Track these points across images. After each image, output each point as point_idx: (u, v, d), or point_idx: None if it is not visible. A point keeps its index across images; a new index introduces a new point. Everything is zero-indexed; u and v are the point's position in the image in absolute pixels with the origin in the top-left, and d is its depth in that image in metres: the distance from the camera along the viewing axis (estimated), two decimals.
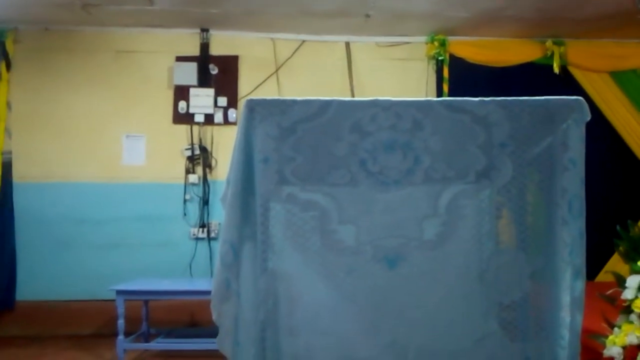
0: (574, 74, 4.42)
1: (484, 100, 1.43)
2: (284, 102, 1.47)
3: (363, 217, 1.41)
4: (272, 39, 4.41)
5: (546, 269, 1.40)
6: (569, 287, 1.35)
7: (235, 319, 1.40)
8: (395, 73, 4.47)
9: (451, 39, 4.40)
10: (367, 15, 4.00)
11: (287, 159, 1.45)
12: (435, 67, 4.46)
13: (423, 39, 4.45)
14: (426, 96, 4.37)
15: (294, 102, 1.46)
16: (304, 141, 1.45)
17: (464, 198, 1.41)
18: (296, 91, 4.32)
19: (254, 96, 4.28)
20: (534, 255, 1.42)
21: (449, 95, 4.29)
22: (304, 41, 4.44)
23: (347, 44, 4.50)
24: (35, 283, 4.09)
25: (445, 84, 4.39)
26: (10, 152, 4.13)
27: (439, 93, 4.40)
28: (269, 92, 4.29)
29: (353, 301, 1.44)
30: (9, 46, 4.14)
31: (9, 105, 4.14)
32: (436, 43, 4.38)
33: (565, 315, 1.34)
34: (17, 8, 3.78)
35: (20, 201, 4.13)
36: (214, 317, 1.44)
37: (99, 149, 4.24)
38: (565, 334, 1.34)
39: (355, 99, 1.46)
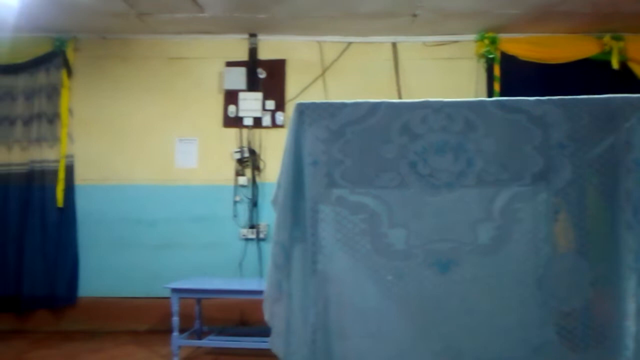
0: (635, 70, 4.19)
1: (540, 100, 1.38)
2: (333, 105, 1.48)
3: (413, 221, 1.40)
4: (318, 41, 4.44)
5: (609, 276, 1.34)
6: (634, 294, 1.28)
7: (287, 319, 1.42)
8: (443, 73, 4.39)
9: (502, 36, 4.27)
10: (414, 15, 3.95)
11: (336, 161, 1.45)
12: (485, 65, 4.35)
13: (472, 37, 4.35)
14: (476, 96, 4.26)
15: (343, 104, 1.47)
16: (353, 144, 1.45)
17: (519, 201, 1.37)
18: (343, 93, 4.33)
19: (300, 99, 4.37)
20: (596, 261, 1.36)
21: (501, 95, 4.16)
22: (350, 43, 4.44)
23: (394, 45, 4.46)
24: (95, 280, 4.30)
25: (496, 83, 4.27)
26: (72, 156, 4.36)
27: (490, 92, 4.28)
28: (315, 95, 4.33)
29: (403, 305, 1.42)
30: (70, 54, 4.37)
31: (71, 111, 4.37)
32: (486, 41, 4.26)
33: (630, 325, 1.28)
34: (76, 18, 3.99)
35: (81, 202, 4.35)
36: (266, 317, 1.46)
37: (154, 152, 4.41)
38: (630, 343, 1.27)
39: (405, 100, 1.44)
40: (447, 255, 1.36)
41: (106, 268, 4.30)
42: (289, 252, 1.47)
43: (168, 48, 4.45)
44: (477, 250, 1.35)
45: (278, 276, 1.46)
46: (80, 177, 4.36)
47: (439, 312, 1.41)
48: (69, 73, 4.37)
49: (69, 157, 4.33)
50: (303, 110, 1.46)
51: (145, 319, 4.22)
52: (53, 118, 4.31)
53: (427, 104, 1.44)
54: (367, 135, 1.43)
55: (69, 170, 4.31)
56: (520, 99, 1.38)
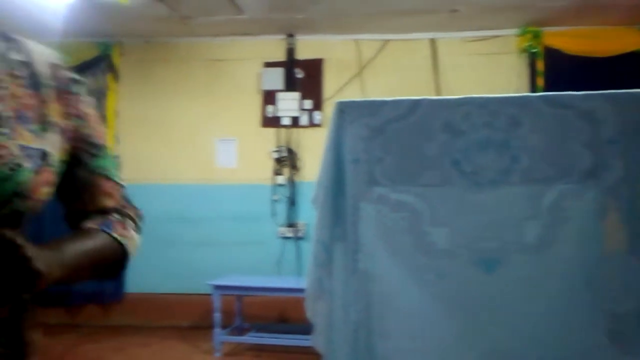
0: None
1: (588, 94, 1.33)
2: (373, 103, 1.48)
3: (457, 219, 1.37)
4: (355, 40, 4.43)
5: None
6: None
7: (329, 317, 1.43)
8: (483, 69, 4.30)
9: (545, 29, 4.14)
10: (454, 11, 3.88)
11: (377, 159, 1.45)
12: (527, 60, 4.23)
13: (513, 31, 4.23)
14: (517, 91, 4.15)
15: (384, 102, 1.46)
16: (393, 142, 1.44)
17: (567, 199, 1.33)
18: (380, 91, 4.30)
19: (337, 98, 4.34)
20: None
21: (545, 90, 4.04)
22: (387, 41, 4.41)
23: (432, 41, 4.39)
24: (141, 277, 4.43)
25: (539, 77, 4.15)
26: (119, 157, 4.53)
27: (532, 88, 4.16)
28: (352, 94, 4.32)
29: (446, 305, 1.41)
30: (115, 59, 4.53)
31: (117, 113, 4.54)
32: (528, 35, 4.14)
33: None
34: (121, 23, 4.13)
35: None
36: (308, 314, 1.48)
37: (196, 152, 4.52)
38: None
39: (446, 97, 1.42)
40: (493, 254, 1.33)
41: (151, 265, 4.43)
42: (330, 250, 1.47)
43: (208, 50, 4.55)
44: (523, 249, 1.32)
45: (319, 274, 1.47)
46: (126, 177, 4.48)
47: (484, 312, 1.38)
48: (115, 77, 4.53)
49: (116, 157, 4.49)
50: (343, 108, 1.46)
51: (188, 315, 4.33)
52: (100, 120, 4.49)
53: (470, 100, 1.42)
54: (408, 133, 1.41)
55: None
56: (568, 94, 1.33)
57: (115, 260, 0.77)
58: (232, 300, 3.86)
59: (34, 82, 0.71)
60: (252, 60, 4.48)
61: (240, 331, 3.84)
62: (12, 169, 0.63)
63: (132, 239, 0.79)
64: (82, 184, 0.77)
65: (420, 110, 1.44)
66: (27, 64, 0.72)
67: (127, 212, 0.80)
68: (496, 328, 1.34)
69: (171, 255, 4.42)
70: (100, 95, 4.50)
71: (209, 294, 3.63)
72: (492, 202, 1.36)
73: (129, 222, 0.80)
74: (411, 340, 1.42)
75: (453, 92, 4.14)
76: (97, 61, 4.50)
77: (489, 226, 1.35)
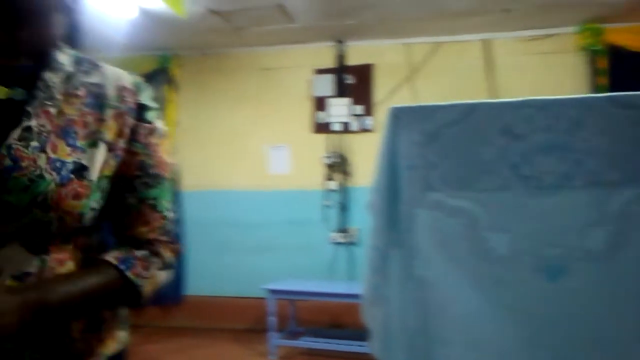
0: None
1: None
2: (427, 107, 1.46)
3: (516, 225, 1.33)
4: (405, 44, 4.40)
5: None
6: None
7: (385, 323, 1.42)
8: (539, 68, 4.15)
9: (606, 26, 3.95)
10: (507, 10, 3.78)
11: (432, 165, 1.43)
12: (587, 59, 4.04)
13: (571, 29, 4.06)
14: (577, 92, 3.98)
15: (438, 107, 1.45)
16: (449, 147, 1.42)
17: (636, 204, 1.26)
18: (432, 95, 4.25)
19: (388, 103, 4.34)
20: None
21: (609, 89, 3.85)
22: (438, 43, 4.35)
23: (485, 42, 4.29)
24: (200, 280, 4.60)
25: (600, 76, 3.95)
26: (178, 165, 4.72)
27: (593, 87, 3.97)
28: (404, 98, 4.29)
29: (506, 313, 1.36)
30: (174, 71, 4.74)
31: (176, 123, 4.74)
32: (588, 32, 3.97)
33: None
34: (179, 36, 4.31)
35: (187, 207, 4.68)
36: (365, 320, 1.48)
37: (249, 159, 4.63)
38: None
39: (504, 100, 1.39)
40: (555, 261, 1.28)
41: (208, 269, 4.58)
42: (386, 256, 1.47)
43: (260, 59, 4.66)
44: (588, 256, 1.26)
45: (375, 280, 1.46)
46: (185, 184, 4.70)
47: (546, 321, 1.33)
48: (174, 88, 4.73)
49: (175, 165, 4.68)
50: (397, 114, 1.45)
51: (244, 318, 4.43)
52: None
53: (528, 102, 1.38)
54: (464, 138, 1.39)
55: (175, 178, 4.66)
56: (637, 94, 1.27)
57: (119, 298, 0.78)
58: (286, 304, 3.92)
59: (98, 103, 0.76)
60: (302, 67, 4.55)
61: (294, 335, 3.89)
62: (31, 180, 0.67)
63: (153, 278, 0.79)
64: (127, 210, 0.80)
65: (476, 114, 1.41)
66: (98, 86, 0.78)
67: (158, 248, 0.80)
68: (558, 338, 1.29)
69: (227, 259, 4.55)
70: (160, 107, 4.70)
71: (263, 298, 3.70)
72: (554, 207, 1.31)
73: (155, 260, 0.80)
74: (470, 348, 1.39)
75: (508, 93, 4.03)
76: (157, 73, 4.72)
77: (551, 232, 1.30)
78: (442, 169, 1.42)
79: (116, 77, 0.81)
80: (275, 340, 3.56)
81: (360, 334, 3.11)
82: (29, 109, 0.71)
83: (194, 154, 4.71)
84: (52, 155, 0.70)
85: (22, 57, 0.74)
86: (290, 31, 4.21)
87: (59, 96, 0.73)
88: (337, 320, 4.26)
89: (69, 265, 0.75)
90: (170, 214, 0.83)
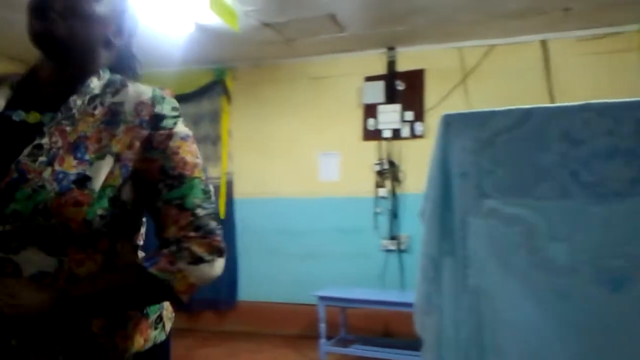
0: None
1: None
2: (481, 114, 1.44)
3: (577, 234, 1.28)
4: (458, 47, 4.32)
5: None
6: None
7: (438, 333, 1.40)
8: (601, 69, 3.95)
9: None
10: (566, 9, 3.63)
11: (487, 172, 1.40)
12: None
13: (634, 27, 3.85)
14: None
15: (492, 113, 1.42)
16: (505, 153, 1.39)
17: None
18: (486, 99, 4.15)
19: (440, 108, 4.29)
20: None
21: None
22: (492, 46, 4.25)
23: (543, 43, 4.14)
24: (252, 286, 4.69)
25: None
26: (232, 173, 4.86)
27: None
28: (456, 103, 4.21)
29: (566, 326, 1.31)
30: (229, 82, 4.89)
31: (230, 133, 4.88)
32: None
33: None
34: (234, 49, 4.45)
35: (239, 214, 4.81)
36: (417, 329, 1.46)
37: (300, 167, 4.69)
38: None
39: (562, 104, 1.34)
40: (620, 272, 1.22)
41: (260, 275, 4.67)
42: (439, 265, 1.45)
43: (311, 68, 4.73)
44: None
45: (428, 289, 1.45)
46: (239, 192, 4.83)
47: (608, 335, 1.26)
48: (228, 99, 4.89)
49: (229, 173, 4.83)
50: (449, 121, 1.44)
51: (295, 324, 4.48)
52: (216, 140, 4.85)
53: (589, 106, 1.32)
54: (520, 144, 1.35)
55: (229, 186, 4.80)
56: None
57: (152, 295, 0.83)
58: (336, 311, 3.92)
59: (115, 119, 0.85)
60: (353, 75, 4.57)
61: (345, 343, 3.88)
62: (34, 190, 0.76)
63: (182, 273, 0.82)
64: (156, 215, 0.86)
65: (533, 119, 1.37)
66: (119, 104, 0.86)
67: (187, 244, 0.83)
68: (621, 352, 1.22)
69: (278, 265, 4.62)
70: (215, 117, 4.88)
71: (314, 305, 3.72)
72: (618, 216, 1.24)
73: (184, 255, 0.83)
74: (526, 359, 1.34)
75: (568, 95, 3.86)
76: (212, 85, 4.90)
77: (614, 241, 1.24)
78: (497, 176, 1.38)
79: (137, 94, 0.88)
80: (326, 347, 3.56)
81: (411, 343, 3.07)
82: (45, 128, 0.82)
83: (246, 163, 4.83)
84: (57, 168, 0.78)
85: (63, 89, 0.86)
86: (340, 40, 4.25)
87: (77, 116, 0.83)
88: (388, 329, 4.22)
89: (89, 266, 0.82)
90: (200, 210, 0.85)
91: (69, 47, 0.85)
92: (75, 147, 0.81)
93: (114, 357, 0.84)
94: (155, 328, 0.94)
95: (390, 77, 4.46)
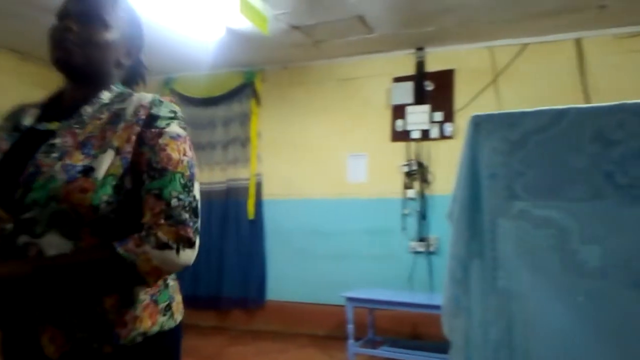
0: None
1: None
2: (511, 115, 1.42)
3: (611, 237, 1.26)
4: (489, 47, 4.26)
5: None
6: None
7: (466, 335, 1.39)
8: (638, 68, 3.83)
9: None
10: (602, 7, 3.54)
11: (517, 173, 1.39)
12: None
13: None
14: None
15: (523, 114, 1.40)
16: (535, 154, 1.37)
17: None
18: (517, 99, 4.08)
19: (470, 108, 4.24)
20: None
21: None
22: (525, 45, 4.17)
23: (578, 41, 4.04)
24: (280, 286, 4.74)
25: None
26: (260, 174, 4.91)
27: None
28: (486, 103, 4.15)
29: (598, 330, 1.29)
30: (258, 85, 4.95)
31: (259, 134, 4.94)
32: None
33: None
34: (263, 52, 4.51)
35: (268, 215, 4.86)
36: (445, 331, 1.46)
37: (328, 168, 4.71)
38: None
39: (596, 105, 1.32)
40: None
41: (289, 275, 4.71)
42: (467, 266, 1.44)
43: (339, 70, 4.74)
44: None
45: (456, 291, 1.44)
46: (267, 193, 4.88)
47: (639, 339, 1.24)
48: (258, 102, 4.95)
49: (258, 175, 4.88)
50: (479, 122, 1.43)
51: (323, 324, 4.49)
52: (245, 142, 4.92)
53: (623, 107, 1.29)
54: (552, 145, 1.34)
55: (258, 187, 4.86)
56: None
57: (116, 272, 0.90)
58: (364, 312, 3.92)
59: (117, 120, 0.98)
60: (381, 76, 4.56)
61: (373, 344, 3.87)
62: (46, 180, 0.90)
63: (146, 254, 0.90)
64: (140, 202, 0.95)
65: (566, 120, 1.35)
66: (121, 109, 1.00)
67: (155, 230, 0.92)
68: None
69: (306, 266, 4.64)
70: (245, 119, 4.94)
71: (342, 306, 3.73)
72: None
73: (150, 239, 0.91)
74: None
75: (603, 95, 3.76)
76: (242, 88, 4.97)
77: None
78: (528, 178, 1.37)
79: (139, 99, 1.02)
80: (354, 348, 3.57)
81: (440, 345, 3.04)
82: (58, 131, 0.98)
83: (275, 164, 4.88)
84: (67, 162, 0.92)
85: (79, 101, 1.02)
86: (369, 41, 4.25)
87: (87, 120, 0.99)
88: (416, 331, 4.19)
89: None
90: (175, 201, 0.94)
91: (85, 71, 1.01)
92: (83, 145, 0.95)
93: (123, 333, 0.95)
94: (164, 315, 1.03)
95: (419, 77, 4.44)
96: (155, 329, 1.00)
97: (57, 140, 0.96)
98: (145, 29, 1.16)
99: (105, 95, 1.03)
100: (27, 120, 1.03)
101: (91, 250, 0.92)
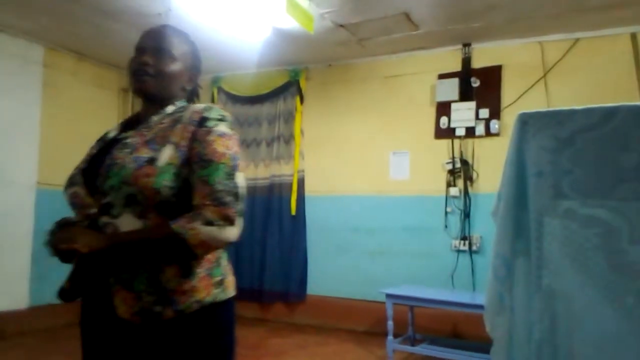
0: None
1: None
2: (560, 112, 1.40)
3: None
4: (539, 42, 4.15)
5: None
6: None
7: (509, 333, 1.39)
8: None
9: None
10: None
11: (565, 172, 1.37)
12: None
13: None
14: None
15: (573, 111, 1.38)
16: (584, 153, 1.35)
17: None
18: (567, 96, 3.95)
19: (518, 105, 4.15)
20: None
21: None
22: (577, 39, 4.03)
23: (633, 35, 3.87)
24: (321, 281, 4.80)
25: None
26: (303, 171, 4.98)
27: None
28: (535, 100, 4.05)
29: None
30: (302, 83, 5.02)
31: (302, 132, 5.01)
32: None
33: None
34: (308, 51, 4.57)
35: (310, 211, 4.92)
36: (487, 329, 1.46)
37: (371, 166, 4.72)
38: None
39: None
40: None
41: (329, 270, 4.76)
42: (511, 264, 1.44)
43: (383, 68, 4.74)
44: None
45: (499, 289, 1.44)
46: (310, 189, 4.94)
47: None
48: (301, 99, 5.01)
49: (301, 171, 4.95)
50: (526, 120, 1.42)
51: (362, 320, 4.52)
52: (289, 139, 5.00)
53: None
54: (601, 144, 1.31)
55: (301, 183, 4.93)
56: None
57: (172, 244, 1.08)
58: (405, 310, 3.92)
59: (175, 123, 1.21)
60: (426, 73, 4.53)
61: (412, 341, 3.87)
62: (120, 168, 1.11)
63: (194, 230, 1.08)
64: (191, 187, 1.14)
65: (617, 118, 1.32)
66: (179, 116, 1.23)
67: (203, 210, 1.10)
68: None
69: (347, 262, 4.68)
70: (289, 117, 5.03)
71: (382, 302, 3.74)
72: None
73: (199, 217, 1.09)
74: None
75: None
76: (287, 86, 5.05)
77: None
78: (576, 176, 1.35)
79: (195, 107, 1.24)
80: (393, 345, 3.57)
81: (481, 345, 3.01)
82: (130, 133, 1.23)
83: (318, 161, 4.93)
84: (135, 155, 1.14)
85: (150, 116, 1.27)
86: (414, 38, 4.23)
87: (153, 125, 1.22)
88: (457, 330, 4.15)
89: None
90: (219, 186, 1.13)
91: (158, 96, 1.26)
92: (148, 142, 1.17)
93: (181, 299, 1.12)
94: (217, 288, 1.19)
95: (465, 74, 4.37)
96: (209, 299, 1.16)
97: (129, 140, 1.20)
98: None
99: (170, 108, 1.27)
100: (111, 134, 1.29)
101: (153, 227, 1.11)
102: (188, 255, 1.10)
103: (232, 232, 1.11)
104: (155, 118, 1.24)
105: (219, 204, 1.10)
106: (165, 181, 1.11)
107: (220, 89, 5.33)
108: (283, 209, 4.89)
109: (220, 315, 1.19)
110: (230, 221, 1.11)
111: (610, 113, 1.32)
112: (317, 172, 4.92)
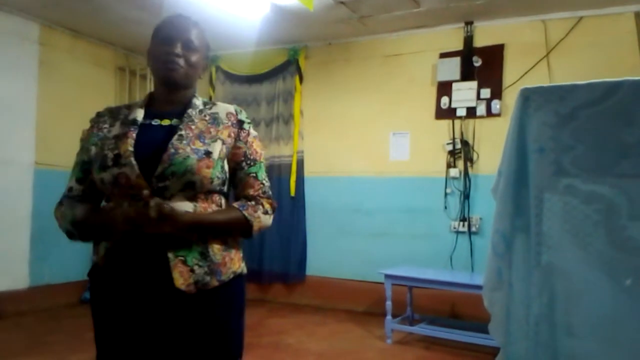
0: None
1: None
2: (562, 87, 1.38)
3: None
4: (542, 20, 4.09)
5: None
6: None
7: (507, 308, 1.39)
8: None
9: None
10: None
11: (566, 147, 1.35)
12: None
13: None
14: None
15: (575, 86, 1.35)
16: (586, 128, 1.33)
17: None
18: (570, 74, 3.90)
19: (520, 85, 4.06)
20: None
21: None
22: (580, 17, 3.97)
23: (637, 14, 3.81)
24: (320, 261, 4.81)
25: None
26: (302, 152, 4.96)
27: None
28: (537, 80, 4.00)
29: None
30: (301, 62, 4.96)
31: (301, 112, 4.96)
32: None
33: None
34: (307, 28, 4.50)
35: (309, 192, 4.91)
36: (486, 304, 1.46)
37: (370, 146, 4.69)
38: None
39: None
40: None
41: (328, 251, 4.77)
42: (510, 241, 1.43)
43: (384, 46, 4.68)
44: None
45: (498, 264, 1.43)
46: (309, 170, 4.92)
47: None
48: (301, 79, 4.96)
49: (300, 152, 4.93)
50: (528, 95, 1.39)
51: (361, 300, 4.55)
52: (288, 119, 4.96)
53: None
54: (604, 119, 1.29)
55: (300, 164, 4.91)
56: None
57: (241, 227, 1.33)
58: (403, 290, 3.94)
59: (216, 122, 1.37)
60: (427, 52, 4.47)
61: (411, 321, 3.90)
62: (184, 158, 1.25)
63: (258, 218, 1.34)
64: (239, 181, 1.38)
65: (620, 93, 1.29)
66: (215, 113, 1.39)
67: (261, 201, 1.36)
68: None
69: (347, 243, 4.69)
70: (288, 97, 4.98)
71: (380, 283, 3.76)
72: None
73: (260, 207, 1.35)
74: (600, 342, 1.30)
75: None
76: (286, 65, 4.99)
77: None
78: (577, 152, 1.33)
79: (225, 108, 1.42)
80: (391, 324, 3.60)
81: (479, 325, 3.03)
82: (180, 126, 1.34)
83: (317, 141, 4.90)
84: (193, 147, 1.29)
85: (176, 105, 1.40)
86: (415, 15, 4.16)
87: (196, 120, 1.35)
88: (455, 311, 4.18)
89: (212, 210, 1.34)
90: (265, 182, 1.40)
91: (183, 85, 1.39)
92: (199, 137, 1.31)
93: (224, 270, 1.32)
94: (242, 261, 1.41)
95: (467, 53, 4.31)
96: (239, 270, 1.38)
97: (183, 132, 1.32)
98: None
99: (198, 102, 1.41)
100: (138, 117, 1.37)
101: (229, 210, 1.33)
102: (245, 236, 1.35)
103: (271, 219, 1.38)
104: (192, 112, 1.37)
105: (269, 197, 1.38)
106: (217, 172, 1.29)
107: (218, 68, 5.27)
108: (282, 190, 4.88)
109: (243, 285, 1.42)
110: (274, 211, 1.39)
111: (613, 88, 1.30)
112: (316, 153, 4.89)
